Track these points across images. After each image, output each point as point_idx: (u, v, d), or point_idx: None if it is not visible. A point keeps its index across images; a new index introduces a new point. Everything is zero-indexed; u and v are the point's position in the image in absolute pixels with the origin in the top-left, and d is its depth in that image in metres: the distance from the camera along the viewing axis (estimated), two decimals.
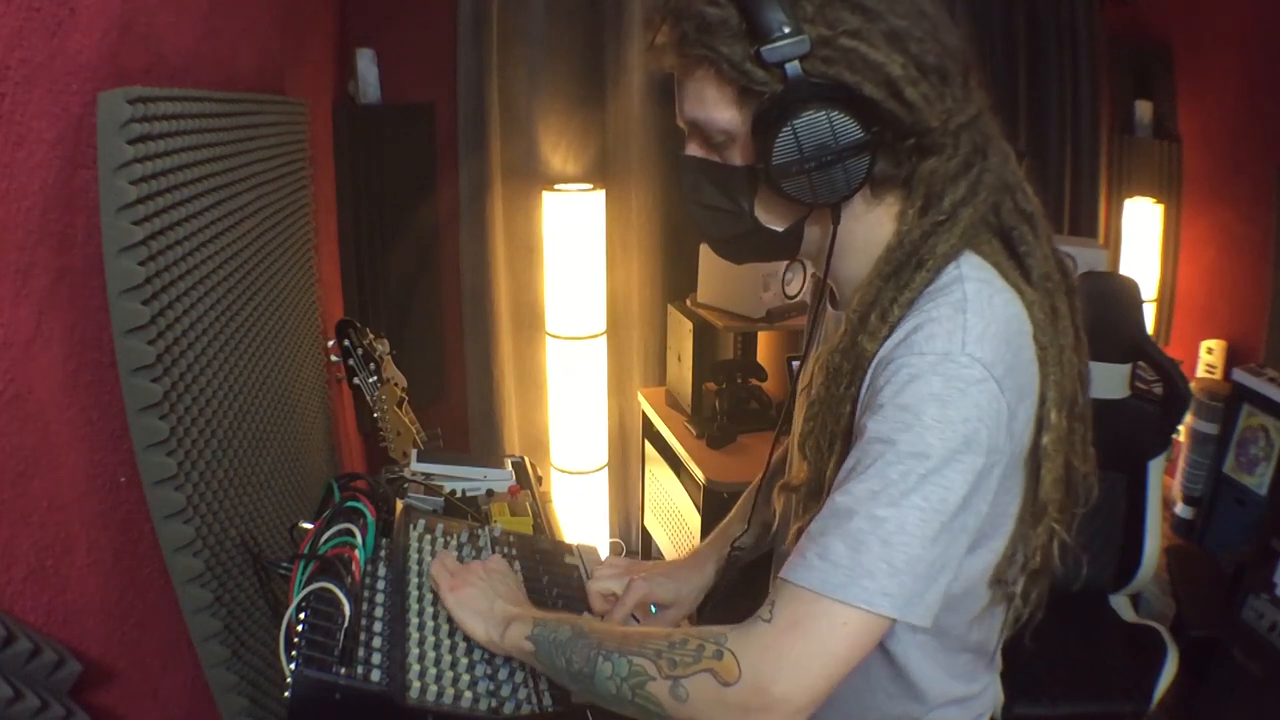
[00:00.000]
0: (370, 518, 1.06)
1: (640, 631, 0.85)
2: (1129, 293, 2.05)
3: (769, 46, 0.74)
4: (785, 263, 2.38)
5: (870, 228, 0.84)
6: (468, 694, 0.88)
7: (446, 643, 0.96)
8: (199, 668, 1.05)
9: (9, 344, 0.74)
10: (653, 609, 1.17)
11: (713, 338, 2.73)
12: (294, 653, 0.84)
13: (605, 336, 2.86)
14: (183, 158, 1.01)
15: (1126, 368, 2.02)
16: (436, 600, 1.01)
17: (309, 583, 0.92)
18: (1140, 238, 2.91)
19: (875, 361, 0.78)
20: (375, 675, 0.86)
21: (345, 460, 2.03)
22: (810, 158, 0.76)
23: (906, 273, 0.79)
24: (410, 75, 2.57)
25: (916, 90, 0.76)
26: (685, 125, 0.86)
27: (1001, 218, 0.82)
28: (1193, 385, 2.46)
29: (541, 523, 1.55)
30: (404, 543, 1.12)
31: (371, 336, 1.77)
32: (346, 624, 0.88)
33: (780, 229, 0.85)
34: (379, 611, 0.96)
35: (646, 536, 2.99)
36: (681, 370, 2.67)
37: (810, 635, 0.72)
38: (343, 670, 0.85)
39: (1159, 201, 2.88)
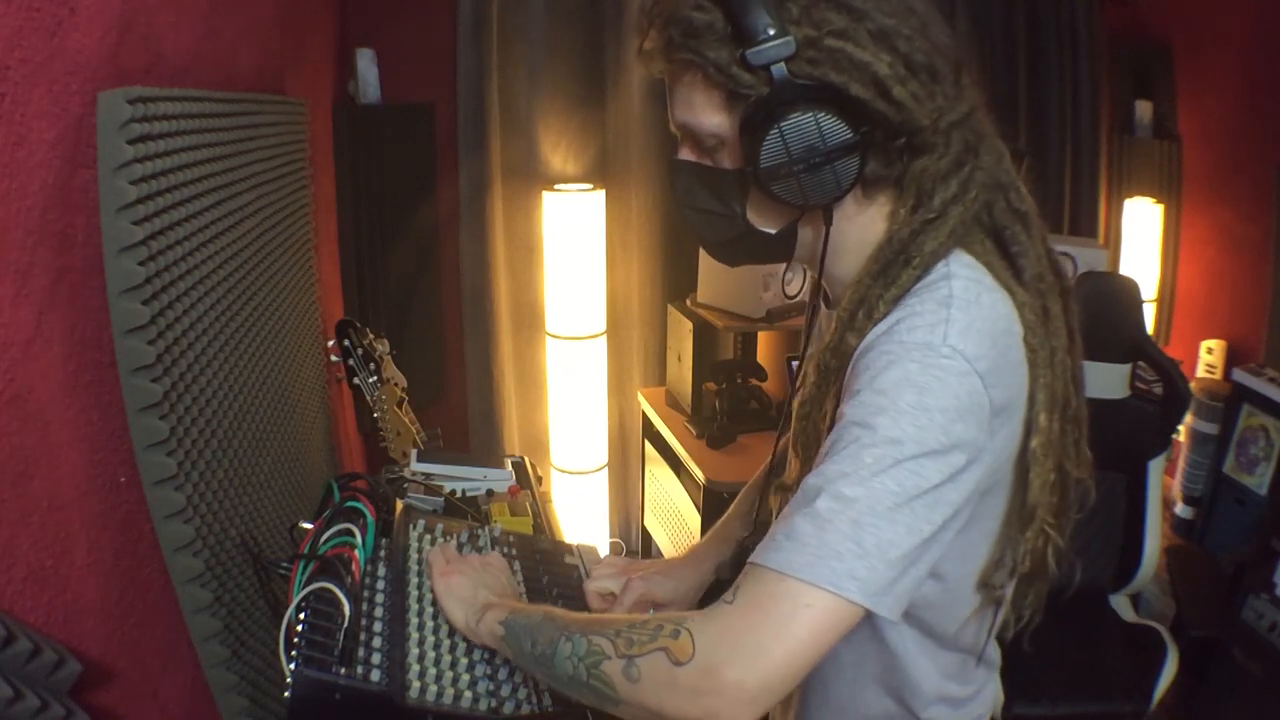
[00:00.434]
0: (370, 518, 1.06)
1: (611, 616, 0.84)
2: (1129, 293, 2.05)
3: (754, 49, 0.74)
4: (785, 263, 2.38)
5: (863, 228, 0.83)
6: (468, 694, 0.88)
7: (446, 643, 0.96)
8: (199, 668, 1.05)
9: (9, 344, 0.74)
10: (650, 611, 1.17)
11: (713, 338, 2.73)
12: (294, 653, 0.84)
13: (605, 336, 2.86)
14: (183, 158, 1.01)
15: (1126, 368, 2.02)
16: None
17: (309, 583, 0.92)
18: (1140, 238, 2.91)
19: (857, 352, 0.78)
20: (375, 675, 0.86)
21: (345, 460, 2.03)
22: (799, 159, 0.76)
23: (894, 270, 0.79)
24: (410, 75, 2.57)
25: (905, 89, 0.75)
26: (677, 129, 0.86)
27: (994, 217, 0.82)
28: (1193, 385, 2.46)
29: (541, 523, 1.55)
30: (404, 543, 1.12)
31: (371, 336, 1.77)
32: (346, 624, 0.88)
33: (773, 231, 0.85)
34: (379, 611, 0.96)
35: (646, 536, 3.00)
36: (681, 370, 2.67)
37: (770, 616, 0.69)
38: (342, 670, 0.85)
39: (1159, 201, 2.88)
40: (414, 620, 0.98)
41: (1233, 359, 2.62)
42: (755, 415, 2.60)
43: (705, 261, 2.65)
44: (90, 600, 0.85)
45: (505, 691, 0.92)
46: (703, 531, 2.34)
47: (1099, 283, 2.08)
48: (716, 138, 0.81)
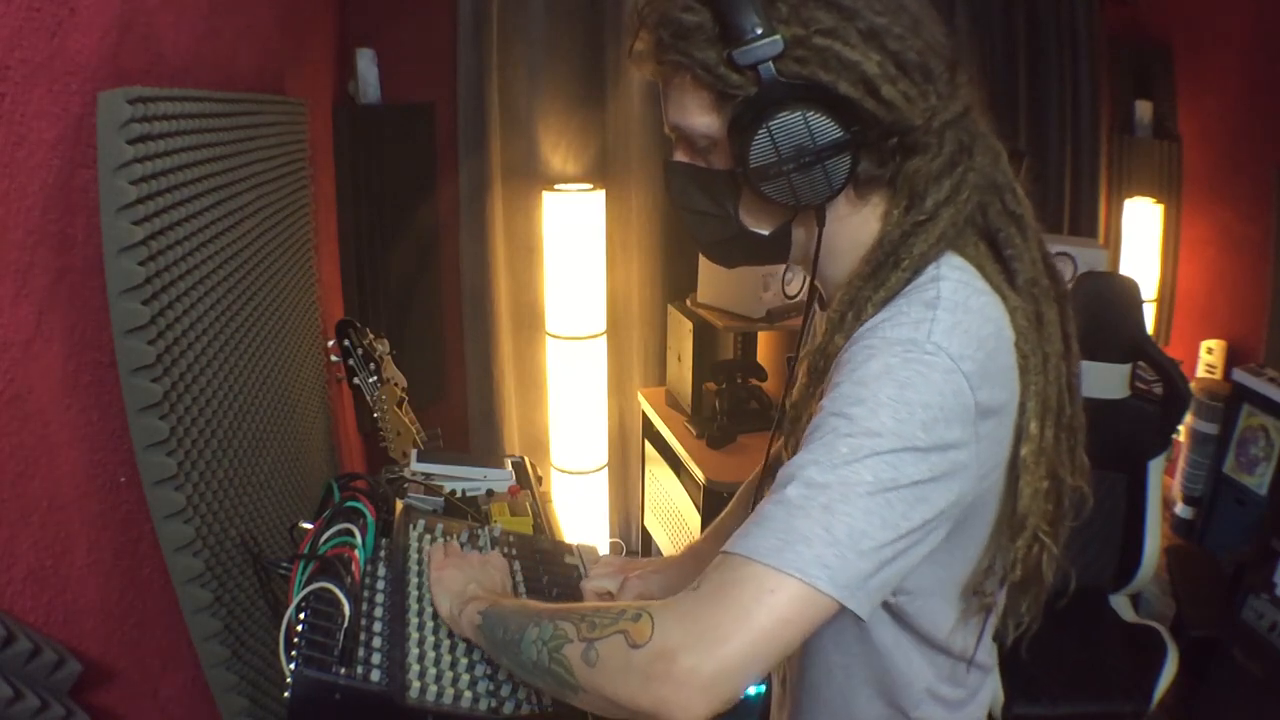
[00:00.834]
0: (370, 518, 1.06)
1: (587, 605, 0.84)
2: (1129, 293, 2.05)
3: (741, 49, 0.74)
4: (782, 264, 2.38)
5: (857, 229, 0.83)
6: (467, 694, 0.88)
7: (446, 643, 0.96)
8: (199, 668, 1.05)
9: (9, 344, 0.74)
10: None
11: (713, 338, 2.73)
12: (294, 653, 0.84)
13: (605, 336, 2.86)
14: (183, 158, 1.01)
15: (1126, 368, 2.02)
16: None
17: (309, 583, 0.92)
18: (1140, 238, 2.91)
19: (841, 351, 0.77)
20: (375, 675, 0.86)
21: (345, 460, 2.03)
22: (788, 159, 0.75)
23: (884, 272, 0.78)
24: (410, 75, 2.57)
25: (895, 88, 0.75)
26: (671, 131, 0.85)
27: (989, 219, 0.81)
28: (1193, 385, 2.46)
29: (541, 523, 1.55)
30: (404, 543, 1.12)
31: (371, 336, 1.77)
32: (346, 624, 0.88)
33: (766, 232, 0.85)
34: (379, 611, 0.96)
35: (646, 536, 2.99)
36: (681, 370, 2.67)
37: (732, 601, 0.66)
38: (342, 670, 0.85)
39: (1159, 201, 2.88)
40: (414, 620, 0.98)
41: (1233, 359, 2.62)
42: (755, 415, 2.59)
43: (705, 262, 2.64)
44: (90, 600, 0.85)
45: (505, 691, 0.91)
46: (702, 531, 2.34)
47: (1099, 283, 2.08)
48: (708, 139, 0.81)
